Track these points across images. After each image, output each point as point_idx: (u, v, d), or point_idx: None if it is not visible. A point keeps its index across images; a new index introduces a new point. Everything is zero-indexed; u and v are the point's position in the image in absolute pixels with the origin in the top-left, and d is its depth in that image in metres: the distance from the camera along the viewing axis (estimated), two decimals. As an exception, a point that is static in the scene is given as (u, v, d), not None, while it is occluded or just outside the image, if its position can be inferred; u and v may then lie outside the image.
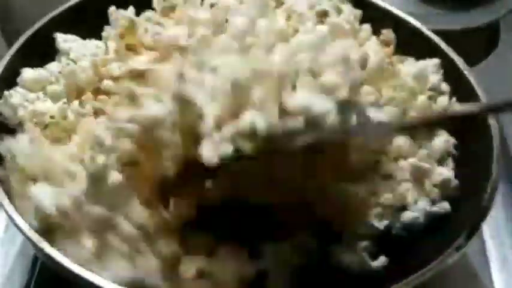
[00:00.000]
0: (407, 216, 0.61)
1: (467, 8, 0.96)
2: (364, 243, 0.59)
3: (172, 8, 0.74)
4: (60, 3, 0.75)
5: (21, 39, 0.71)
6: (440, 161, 0.66)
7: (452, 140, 0.66)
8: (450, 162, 0.66)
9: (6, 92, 0.66)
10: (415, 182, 0.63)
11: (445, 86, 0.69)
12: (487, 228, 0.78)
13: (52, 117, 0.65)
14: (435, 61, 0.71)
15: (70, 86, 0.68)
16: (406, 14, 0.77)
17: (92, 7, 0.75)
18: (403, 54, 0.74)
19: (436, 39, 0.74)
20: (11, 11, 0.93)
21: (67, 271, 0.53)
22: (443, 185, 0.63)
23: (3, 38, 0.94)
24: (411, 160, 0.63)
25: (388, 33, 0.73)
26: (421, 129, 0.65)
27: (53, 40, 0.73)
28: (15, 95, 0.67)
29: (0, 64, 0.67)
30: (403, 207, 0.62)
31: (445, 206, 0.63)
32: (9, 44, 0.71)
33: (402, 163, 0.64)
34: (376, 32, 0.75)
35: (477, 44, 1.01)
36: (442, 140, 0.66)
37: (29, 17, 0.75)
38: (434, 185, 0.63)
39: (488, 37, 1.02)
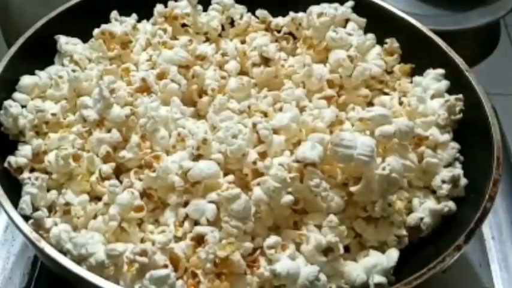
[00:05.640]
0: (412, 218, 0.61)
1: (467, 8, 0.96)
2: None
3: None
4: (59, 4, 0.75)
5: (21, 40, 0.71)
6: (449, 166, 0.66)
7: (457, 146, 0.66)
8: (458, 165, 0.66)
9: (6, 102, 0.66)
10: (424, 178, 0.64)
11: (447, 95, 0.69)
12: (487, 228, 0.78)
13: (54, 114, 0.66)
14: (439, 71, 0.71)
15: (73, 90, 0.68)
16: (406, 14, 0.77)
17: (90, 8, 0.76)
18: (403, 54, 0.74)
19: (436, 39, 0.73)
20: (10, 12, 0.93)
21: (67, 271, 0.53)
22: (454, 180, 0.62)
23: (3, 38, 0.94)
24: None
25: (392, 43, 0.73)
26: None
27: (53, 41, 0.73)
28: (15, 105, 0.66)
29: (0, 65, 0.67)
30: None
31: (450, 205, 0.62)
32: (9, 45, 0.71)
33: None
34: (375, 32, 0.75)
35: (477, 44, 1.01)
36: (449, 147, 0.66)
37: (29, 18, 0.75)
38: (443, 181, 0.63)
39: (488, 37, 1.02)
